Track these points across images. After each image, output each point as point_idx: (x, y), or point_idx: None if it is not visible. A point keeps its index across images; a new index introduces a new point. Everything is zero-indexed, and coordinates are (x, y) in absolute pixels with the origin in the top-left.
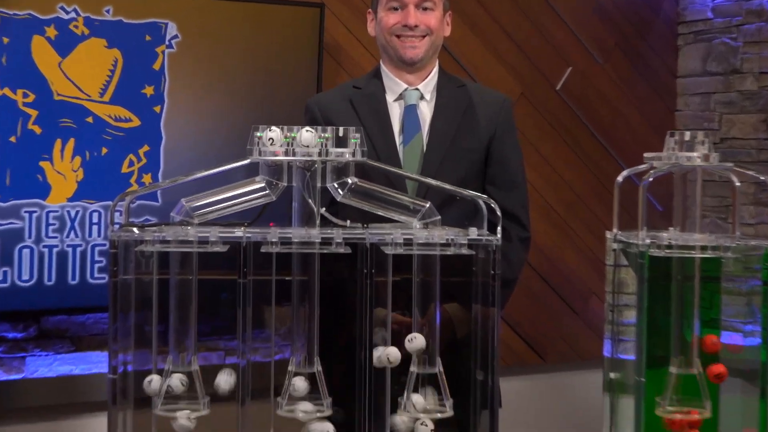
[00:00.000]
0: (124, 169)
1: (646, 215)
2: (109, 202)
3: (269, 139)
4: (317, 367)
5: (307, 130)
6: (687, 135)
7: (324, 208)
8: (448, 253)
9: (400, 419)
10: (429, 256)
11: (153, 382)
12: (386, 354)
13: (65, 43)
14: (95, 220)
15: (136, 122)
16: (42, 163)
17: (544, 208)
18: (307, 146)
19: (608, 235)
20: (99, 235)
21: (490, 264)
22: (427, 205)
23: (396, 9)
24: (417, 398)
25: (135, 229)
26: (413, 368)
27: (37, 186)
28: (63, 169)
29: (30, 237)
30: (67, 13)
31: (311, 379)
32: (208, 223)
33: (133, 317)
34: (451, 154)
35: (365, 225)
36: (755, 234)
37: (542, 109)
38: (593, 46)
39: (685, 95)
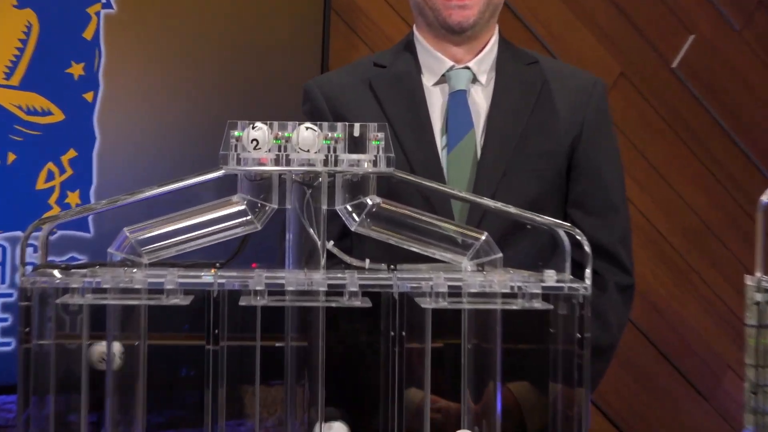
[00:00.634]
0: (41, 185)
1: None
2: (18, 233)
3: (252, 141)
4: None
5: (307, 128)
6: None
7: (332, 242)
8: (514, 307)
9: None
10: (485, 313)
11: None
12: None
13: None
14: None
15: (58, 116)
16: None
17: (654, 241)
18: (308, 151)
19: (749, 281)
20: (2, 282)
21: (575, 324)
22: (483, 238)
23: None
24: None
25: (56, 272)
26: None
27: None
28: None
29: None
30: None
31: None
32: (164, 264)
33: (52, 402)
34: (518, 162)
35: (392, 266)
36: None
37: (651, 95)
38: (726, 3)
39: None
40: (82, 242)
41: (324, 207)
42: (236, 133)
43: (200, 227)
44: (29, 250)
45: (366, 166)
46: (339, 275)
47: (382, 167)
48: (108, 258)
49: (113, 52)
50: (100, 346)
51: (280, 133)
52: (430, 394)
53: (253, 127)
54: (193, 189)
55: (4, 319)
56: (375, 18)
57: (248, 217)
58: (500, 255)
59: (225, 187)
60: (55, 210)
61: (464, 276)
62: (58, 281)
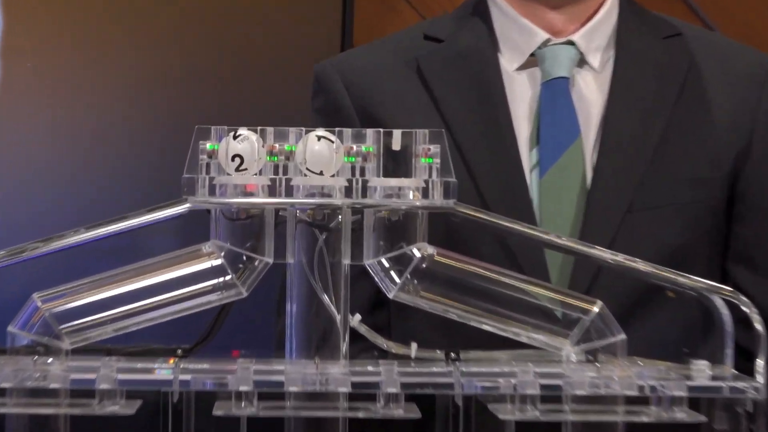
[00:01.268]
0: None
1: None
2: None
3: (234, 158)
4: None
5: (319, 137)
6: None
7: (358, 316)
8: (645, 420)
9: None
10: (600, 427)
11: None
12: None
13: None
14: None
15: None
16: None
17: None
18: (320, 173)
19: None
20: None
21: None
22: (595, 310)
23: None
24: None
25: None
26: None
27: None
28: None
29: None
30: None
31: None
32: (95, 351)
33: None
34: (651, 191)
35: (452, 354)
36: None
37: None
38: None
39: None
40: None
41: (346, 261)
42: (209, 146)
43: (152, 293)
44: None
45: (411, 197)
46: (369, 368)
47: (437, 199)
48: (8, 341)
49: (13, 25)
50: None
51: (277, 145)
52: None
53: (236, 136)
54: (141, 233)
55: None
56: None
57: (227, 278)
58: (622, 337)
59: (191, 229)
60: None
61: (566, 370)
62: None
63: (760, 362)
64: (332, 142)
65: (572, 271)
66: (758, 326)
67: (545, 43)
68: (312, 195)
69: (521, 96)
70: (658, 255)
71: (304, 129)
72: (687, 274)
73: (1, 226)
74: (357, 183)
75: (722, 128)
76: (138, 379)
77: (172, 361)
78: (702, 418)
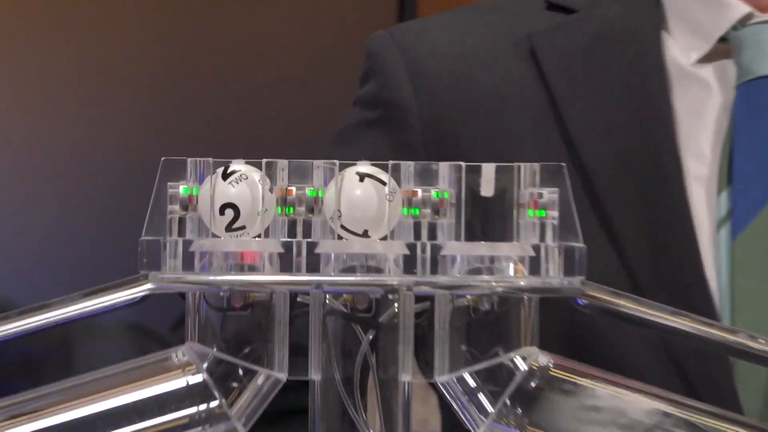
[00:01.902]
0: None
1: None
2: None
3: (223, 211)
4: None
5: (363, 175)
6: None
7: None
8: None
9: None
10: None
11: None
12: None
13: None
14: None
15: None
16: None
17: None
18: (364, 233)
19: None
20: None
21: None
22: None
23: None
24: None
25: None
26: None
27: None
28: None
29: None
30: None
31: None
32: None
33: None
34: None
35: None
36: None
37: None
38: None
39: None
40: None
41: (406, 378)
42: (182, 190)
43: (101, 426)
44: None
45: (512, 272)
46: None
47: (555, 276)
48: None
49: None
50: None
51: (294, 188)
52: None
53: (227, 174)
54: (89, 325)
55: None
56: None
57: (212, 404)
58: None
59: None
60: None
61: None
62: None
63: None
64: (383, 183)
65: None
66: None
67: (744, 21)
68: (351, 270)
69: (700, 105)
70: None
71: (337, 162)
72: None
73: None
74: (424, 250)
75: None
76: None
77: None
78: None
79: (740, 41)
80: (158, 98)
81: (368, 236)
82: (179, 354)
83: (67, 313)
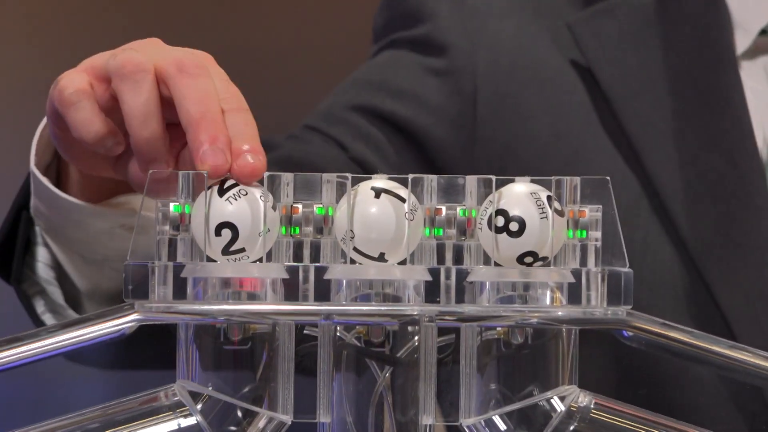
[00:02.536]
0: None
1: None
2: None
3: (219, 231)
4: None
5: (379, 191)
6: None
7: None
8: None
9: None
10: None
11: None
12: None
13: None
14: None
15: None
16: None
17: None
18: (380, 256)
19: None
20: None
21: None
22: None
23: None
24: None
25: None
26: None
27: None
28: None
29: None
30: None
31: None
32: None
33: None
34: None
35: None
36: None
37: None
38: None
39: None
40: None
41: (428, 421)
42: (173, 208)
43: None
44: None
45: (549, 301)
46: None
47: (598, 305)
48: None
49: None
50: None
51: (300, 206)
52: None
53: (224, 189)
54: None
55: None
56: None
57: None
58: None
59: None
60: None
61: None
62: None
63: None
64: (402, 200)
65: None
66: None
67: None
68: (365, 298)
69: (753, 103)
70: None
71: (349, 176)
72: None
73: None
74: (448, 276)
75: None
76: None
77: None
78: None
79: None
80: None
81: (385, 260)
82: (169, 393)
83: (41, 348)
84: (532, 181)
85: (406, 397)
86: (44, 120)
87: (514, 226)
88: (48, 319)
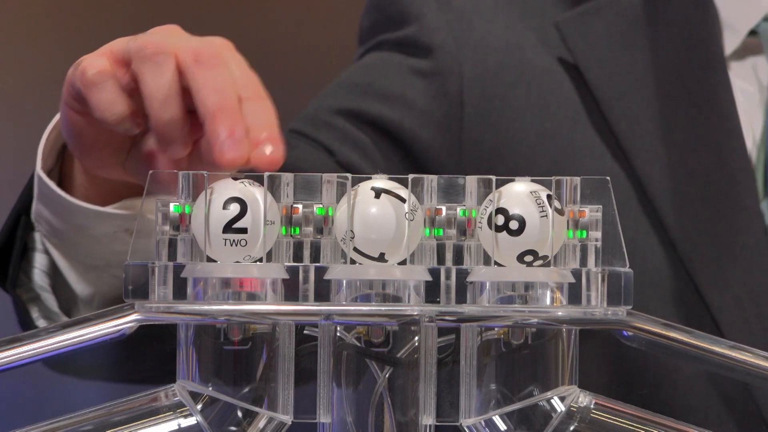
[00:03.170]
0: None
1: None
2: None
3: (228, 230)
4: None
5: (379, 191)
6: None
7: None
8: None
9: None
10: None
11: None
12: None
13: None
14: None
15: None
16: None
17: None
18: (380, 256)
19: None
20: None
21: None
22: None
23: None
24: None
25: None
26: None
27: None
28: None
29: None
30: None
31: None
32: None
33: None
34: None
35: None
36: None
37: None
38: None
39: None
40: None
41: (428, 422)
42: (173, 208)
43: None
44: None
45: (549, 301)
46: None
47: (598, 306)
48: None
49: None
50: None
51: (300, 206)
52: None
53: (229, 202)
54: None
55: None
56: None
57: None
58: None
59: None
60: None
61: None
62: None
63: None
64: (402, 200)
65: None
66: None
67: None
68: (365, 298)
69: (742, 104)
70: None
71: (349, 177)
72: None
73: None
74: (448, 276)
75: None
76: None
77: None
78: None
79: None
80: None
81: (385, 260)
82: (169, 394)
83: (41, 348)
84: (532, 181)
85: (406, 398)
86: (51, 124)
87: (514, 225)
88: (41, 324)
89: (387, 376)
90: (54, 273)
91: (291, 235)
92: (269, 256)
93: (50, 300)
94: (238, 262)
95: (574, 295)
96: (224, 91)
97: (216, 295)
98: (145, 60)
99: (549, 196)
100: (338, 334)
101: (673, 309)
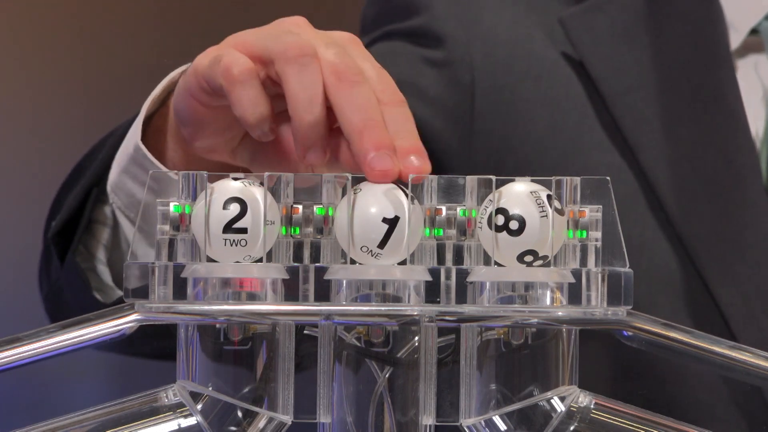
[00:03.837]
0: None
1: None
2: None
3: (228, 230)
4: None
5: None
6: None
7: None
8: None
9: None
10: None
11: None
12: None
13: None
14: None
15: None
16: None
17: None
18: (378, 251)
19: None
20: None
21: None
22: None
23: None
24: None
25: None
26: None
27: None
28: None
29: None
30: None
31: None
32: None
33: None
34: None
35: None
36: None
37: None
38: None
39: None
40: None
41: (428, 422)
42: (173, 208)
43: None
44: None
45: (549, 301)
46: None
47: (598, 306)
48: None
49: None
50: None
51: (300, 206)
52: None
53: (229, 202)
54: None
55: None
56: None
57: None
58: None
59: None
60: None
61: None
62: None
63: None
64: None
65: None
66: None
67: None
68: (365, 298)
69: (745, 102)
70: None
71: (349, 176)
72: None
73: None
74: (448, 276)
75: None
76: None
77: None
78: None
79: None
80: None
81: (380, 257)
82: (170, 394)
83: (41, 348)
84: (533, 181)
85: (406, 398)
86: (150, 97)
87: (514, 225)
88: (99, 296)
89: (387, 376)
90: (112, 247)
91: (291, 235)
92: (269, 256)
93: (106, 273)
94: (238, 262)
95: (574, 295)
96: (368, 109)
97: (216, 295)
98: (291, 62)
99: (549, 196)
100: (338, 334)
101: (682, 304)
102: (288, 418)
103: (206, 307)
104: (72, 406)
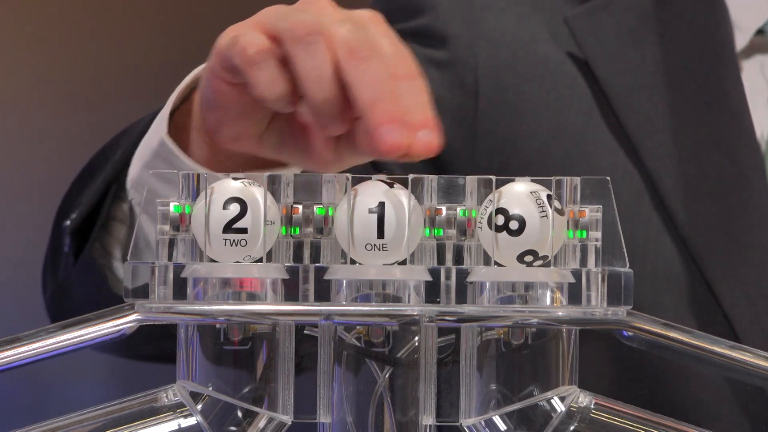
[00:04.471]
0: None
1: None
2: None
3: (228, 230)
4: None
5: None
6: None
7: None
8: None
9: None
10: None
11: None
12: None
13: None
14: None
15: None
16: None
17: None
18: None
19: None
20: None
21: None
22: None
23: None
24: None
25: None
26: None
27: None
28: None
29: None
30: None
31: None
32: None
33: None
34: None
35: None
36: None
37: None
38: None
39: None
40: None
41: (428, 422)
42: (173, 208)
43: None
44: None
45: (549, 301)
46: None
47: (598, 306)
48: None
49: None
50: None
51: (300, 206)
52: None
53: (229, 202)
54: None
55: None
56: None
57: None
58: None
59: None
60: None
61: None
62: None
63: None
64: (402, 200)
65: None
66: None
67: None
68: (365, 298)
69: (750, 102)
70: None
71: (349, 176)
72: None
73: None
74: (448, 276)
75: None
76: None
77: None
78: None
79: None
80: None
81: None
82: (170, 394)
83: (41, 348)
84: (533, 181)
85: (406, 398)
86: (175, 92)
87: (514, 225)
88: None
89: (387, 376)
90: (128, 244)
91: (291, 236)
92: (269, 256)
93: (120, 269)
94: (238, 262)
95: (574, 295)
96: (379, 83)
97: (216, 295)
98: (297, 41)
99: (549, 196)
100: (338, 334)
101: (686, 305)
102: (288, 418)
103: (206, 307)
104: (72, 406)
